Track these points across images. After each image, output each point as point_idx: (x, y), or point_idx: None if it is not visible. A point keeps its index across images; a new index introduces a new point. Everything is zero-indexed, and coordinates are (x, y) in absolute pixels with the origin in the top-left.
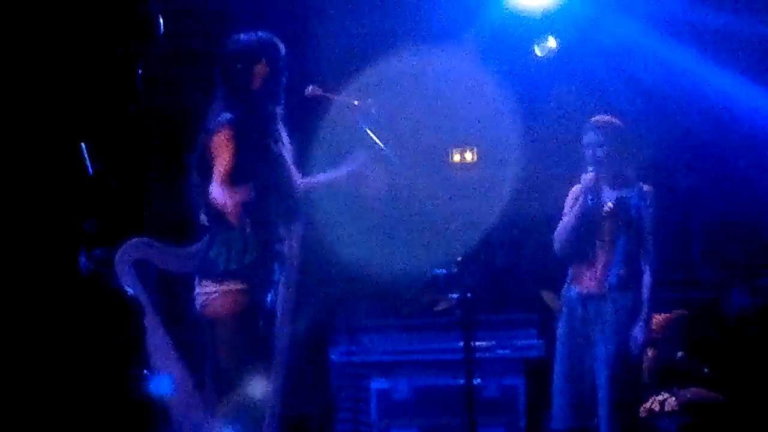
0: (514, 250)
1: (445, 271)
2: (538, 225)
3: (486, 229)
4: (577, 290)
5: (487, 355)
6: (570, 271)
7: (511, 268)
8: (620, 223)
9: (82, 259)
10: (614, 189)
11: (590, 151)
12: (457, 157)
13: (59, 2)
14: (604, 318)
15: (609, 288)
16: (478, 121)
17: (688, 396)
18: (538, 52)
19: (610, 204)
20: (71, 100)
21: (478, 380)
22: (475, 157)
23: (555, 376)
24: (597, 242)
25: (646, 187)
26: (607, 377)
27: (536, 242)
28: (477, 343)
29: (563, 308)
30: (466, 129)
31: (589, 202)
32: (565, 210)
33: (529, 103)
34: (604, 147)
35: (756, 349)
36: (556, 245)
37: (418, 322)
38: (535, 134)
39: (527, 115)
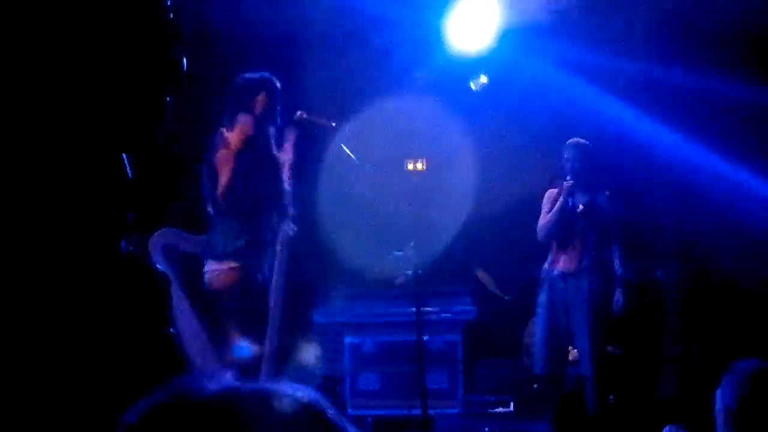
0: (455, 238)
1: (401, 253)
2: (474, 219)
3: (433, 221)
4: (558, 270)
5: (434, 317)
6: (550, 256)
7: (452, 252)
8: (590, 219)
9: (124, 243)
10: (585, 194)
11: (569, 164)
12: (410, 166)
13: (114, 52)
14: (581, 291)
15: (584, 268)
16: (427, 139)
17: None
18: (472, 86)
19: (581, 206)
20: (118, 123)
21: (427, 337)
22: (425, 167)
23: (537, 333)
24: (573, 234)
25: (607, 194)
26: (587, 334)
27: (472, 232)
28: (425, 309)
29: (545, 283)
30: (418, 144)
31: (568, 203)
32: (544, 208)
33: (466, 126)
34: (578, 161)
35: (639, 313)
36: (540, 235)
37: (382, 292)
38: (471, 149)
39: (465, 135)
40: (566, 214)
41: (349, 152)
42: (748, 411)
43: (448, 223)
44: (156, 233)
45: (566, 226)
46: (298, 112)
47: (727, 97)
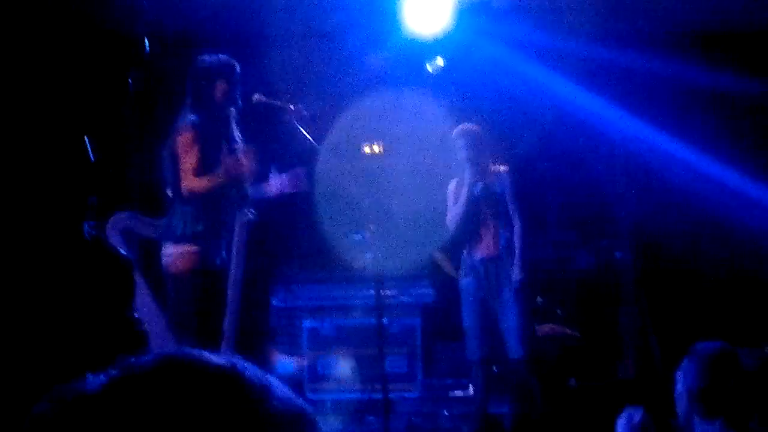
0: (413, 221)
1: (360, 236)
2: (431, 201)
3: (390, 204)
4: (477, 256)
5: (392, 301)
6: (468, 243)
7: (410, 234)
8: (492, 202)
9: (86, 227)
10: (482, 179)
11: (460, 152)
12: (367, 149)
13: (70, 35)
14: (503, 273)
15: (501, 250)
16: (385, 121)
17: (546, 330)
18: (429, 68)
19: (480, 191)
20: (80, 105)
21: (386, 320)
22: (381, 150)
23: (465, 319)
24: (481, 221)
25: (503, 169)
26: (515, 313)
27: (429, 215)
28: (384, 292)
29: (467, 271)
30: (375, 127)
31: (467, 193)
32: (449, 204)
33: (423, 108)
34: (470, 149)
35: (597, 295)
36: (451, 230)
37: (340, 275)
38: (428, 132)
39: (421, 117)
40: (470, 204)
41: (306, 134)
42: (710, 393)
43: (405, 205)
44: (113, 217)
45: (474, 217)
46: (256, 95)
47: (682, 79)
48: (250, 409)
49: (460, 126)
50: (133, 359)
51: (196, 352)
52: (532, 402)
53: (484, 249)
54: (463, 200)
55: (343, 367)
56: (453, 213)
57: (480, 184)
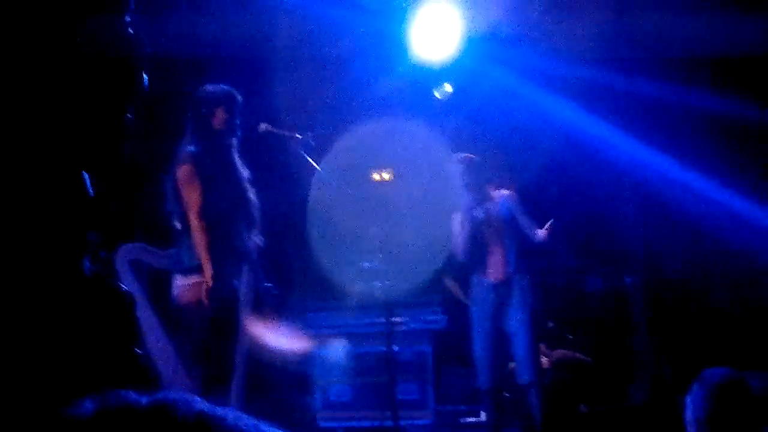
0: (423, 247)
1: (369, 264)
2: (440, 227)
3: (400, 231)
4: (487, 281)
5: (403, 328)
6: (475, 271)
7: (420, 261)
8: (495, 227)
9: (86, 263)
10: (483, 204)
11: (459, 180)
12: (376, 176)
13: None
14: (512, 295)
15: (510, 273)
16: (393, 148)
17: (557, 355)
18: (437, 95)
19: (481, 216)
20: (78, 139)
21: (396, 348)
22: (391, 176)
23: (475, 346)
24: (489, 245)
25: (507, 193)
26: (523, 340)
27: (438, 241)
28: (395, 319)
29: (478, 295)
30: (384, 154)
31: (471, 219)
32: (455, 231)
33: (431, 134)
34: (468, 175)
35: (607, 320)
36: (459, 257)
37: (351, 303)
38: (436, 158)
39: (430, 144)
40: (475, 229)
41: (314, 163)
42: (718, 421)
43: (415, 232)
44: (122, 248)
45: (480, 241)
46: (262, 125)
47: (691, 104)
48: None
49: (456, 154)
50: (77, 403)
51: (128, 393)
52: (533, 426)
53: (491, 274)
54: (466, 227)
55: (355, 394)
56: (458, 240)
57: (480, 209)
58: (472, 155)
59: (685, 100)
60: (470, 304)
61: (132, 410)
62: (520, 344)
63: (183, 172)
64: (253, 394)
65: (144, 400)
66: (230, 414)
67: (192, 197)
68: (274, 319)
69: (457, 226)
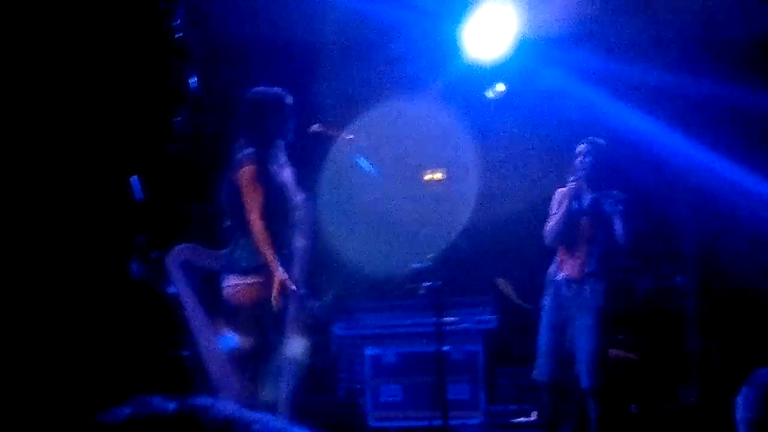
0: (474, 248)
1: (420, 265)
2: (493, 228)
3: (452, 232)
4: (562, 274)
5: (454, 328)
6: (556, 258)
7: (472, 261)
8: (594, 222)
9: (133, 266)
10: (592, 193)
11: (579, 158)
12: (428, 177)
13: (121, 73)
14: (584, 297)
15: (588, 274)
16: (445, 148)
17: (608, 355)
18: (490, 94)
19: (588, 203)
20: (130, 146)
21: (447, 347)
22: (443, 177)
23: (540, 339)
24: (578, 237)
25: (616, 193)
26: (587, 344)
27: (492, 241)
28: (445, 319)
29: (550, 288)
30: (436, 154)
31: (574, 204)
32: (552, 210)
33: (484, 134)
34: (590, 156)
35: (659, 320)
36: (547, 239)
37: (401, 304)
38: (490, 158)
39: (482, 144)
40: (572, 216)
41: (365, 164)
42: (765, 424)
43: (467, 232)
44: (174, 249)
45: (572, 229)
46: (314, 125)
47: (746, 105)
48: None
49: (589, 137)
50: (113, 409)
51: (152, 400)
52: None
53: (569, 268)
54: (563, 211)
55: (405, 394)
56: (552, 222)
57: (588, 198)
58: (602, 141)
59: (740, 98)
60: (543, 296)
61: (158, 416)
62: (583, 348)
63: (247, 173)
64: (304, 394)
65: (171, 405)
66: (259, 417)
67: (255, 198)
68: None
69: (555, 205)
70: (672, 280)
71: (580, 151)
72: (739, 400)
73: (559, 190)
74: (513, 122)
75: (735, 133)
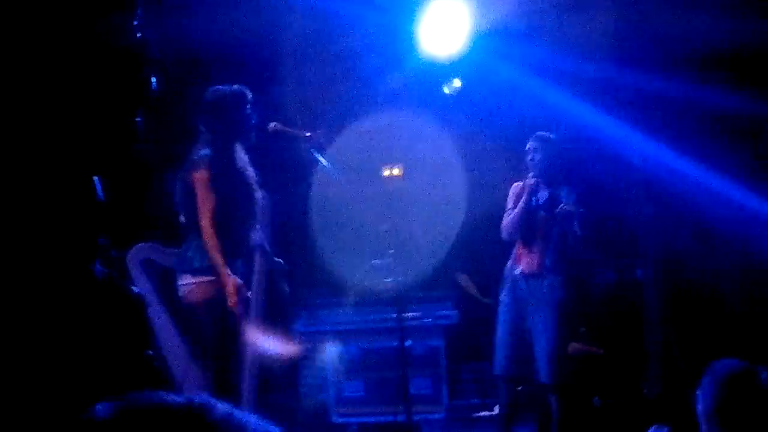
0: (434, 243)
1: (380, 260)
2: (452, 222)
3: (411, 227)
4: (519, 269)
5: (415, 323)
6: (513, 253)
7: (431, 257)
8: (552, 216)
9: (97, 266)
10: (547, 188)
11: (530, 156)
12: (386, 173)
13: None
14: (541, 292)
15: (545, 269)
16: (403, 144)
17: (570, 349)
18: (446, 90)
19: (544, 199)
20: (88, 142)
21: (409, 342)
22: (401, 172)
23: (498, 334)
24: (535, 232)
25: (571, 188)
26: (545, 339)
27: (450, 236)
28: (407, 315)
29: (507, 283)
30: (394, 150)
31: (532, 200)
32: (508, 205)
33: (441, 129)
34: (540, 153)
35: (620, 313)
36: (504, 234)
37: (362, 300)
38: (445, 154)
39: (440, 139)
40: (529, 212)
41: (324, 161)
42: (727, 414)
43: (426, 228)
44: (133, 249)
45: (529, 225)
46: (272, 124)
47: (701, 100)
48: None
49: (538, 132)
50: (95, 406)
51: (153, 394)
52: (550, 427)
53: (526, 263)
54: (520, 206)
55: (368, 390)
56: (509, 217)
57: (545, 194)
58: (551, 135)
59: (694, 96)
60: (500, 291)
61: (164, 411)
62: (541, 343)
63: (200, 176)
64: (265, 391)
65: (177, 400)
66: (252, 419)
67: (207, 202)
68: (285, 310)
69: (511, 200)
70: (632, 273)
71: (528, 149)
72: (699, 391)
73: (515, 185)
74: (468, 118)
75: (693, 128)
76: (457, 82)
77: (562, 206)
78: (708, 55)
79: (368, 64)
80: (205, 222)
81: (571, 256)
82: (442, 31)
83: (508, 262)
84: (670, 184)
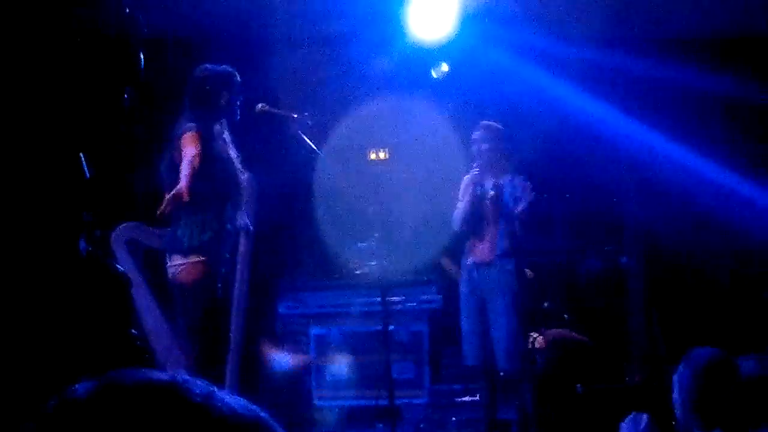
0: (419, 227)
1: (365, 244)
2: (437, 207)
3: (396, 210)
4: (471, 260)
5: (399, 307)
6: (466, 245)
7: (416, 240)
8: (499, 205)
9: (82, 243)
10: (493, 178)
11: (476, 146)
12: (372, 156)
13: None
14: (494, 280)
15: (496, 258)
16: (389, 128)
17: (553, 335)
18: (434, 74)
19: (491, 192)
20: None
21: (392, 327)
22: (387, 156)
23: (462, 326)
24: (485, 222)
25: (518, 177)
26: (501, 327)
27: (435, 220)
28: (390, 299)
29: (463, 274)
30: (380, 134)
31: (477, 190)
32: (459, 196)
33: (428, 113)
34: (486, 142)
35: (604, 300)
36: (455, 225)
37: (346, 283)
38: (432, 137)
39: (427, 123)
40: (476, 202)
41: (310, 143)
42: (705, 402)
43: (411, 211)
44: (118, 228)
45: (478, 215)
46: (259, 105)
47: (687, 84)
48: (194, 421)
49: (483, 121)
50: (76, 384)
51: (136, 371)
52: (525, 413)
53: (478, 253)
54: (468, 196)
55: (351, 373)
56: (459, 208)
57: (490, 183)
58: (497, 125)
59: (681, 79)
60: (459, 284)
61: (146, 388)
62: (499, 330)
63: (188, 136)
64: (248, 372)
65: (161, 377)
66: (234, 398)
67: (189, 155)
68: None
69: (461, 192)
70: (616, 260)
71: (475, 138)
72: (676, 378)
73: (466, 177)
74: (457, 102)
75: (680, 115)
76: (444, 66)
77: (509, 194)
78: (695, 38)
79: (356, 48)
80: (188, 166)
81: (521, 244)
82: (430, 15)
83: (463, 255)
84: (655, 169)
